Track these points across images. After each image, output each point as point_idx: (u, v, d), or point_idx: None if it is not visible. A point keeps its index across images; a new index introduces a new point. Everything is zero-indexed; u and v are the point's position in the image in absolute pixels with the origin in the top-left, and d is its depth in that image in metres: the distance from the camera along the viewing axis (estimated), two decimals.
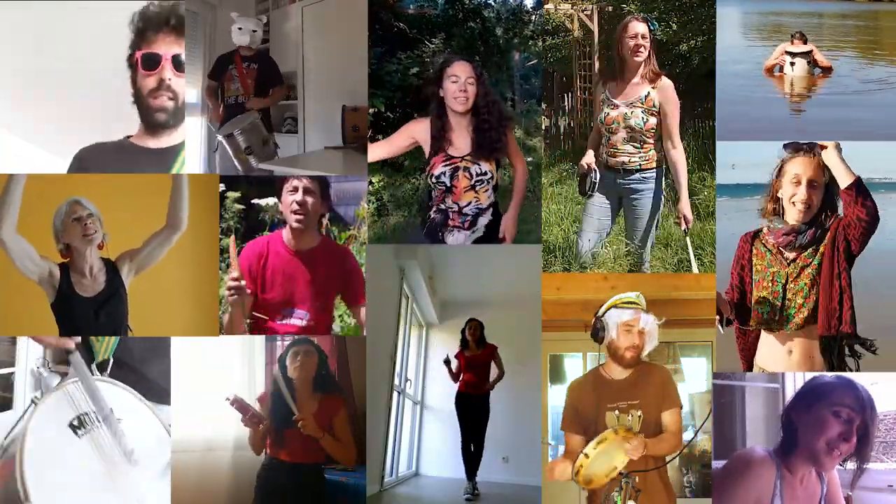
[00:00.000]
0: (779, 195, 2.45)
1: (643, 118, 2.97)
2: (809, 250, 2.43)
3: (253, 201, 3.32)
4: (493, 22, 3.96)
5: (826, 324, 2.41)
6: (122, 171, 2.64)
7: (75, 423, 2.27)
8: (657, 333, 2.44)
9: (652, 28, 2.97)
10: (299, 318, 2.69)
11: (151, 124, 2.61)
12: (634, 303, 2.46)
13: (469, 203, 2.85)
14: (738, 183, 2.96)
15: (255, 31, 3.94)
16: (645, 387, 2.42)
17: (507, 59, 3.98)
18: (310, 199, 2.63)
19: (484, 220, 2.89)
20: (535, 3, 3.95)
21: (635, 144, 3.01)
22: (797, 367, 2.51)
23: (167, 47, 2.54)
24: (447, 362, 3.88)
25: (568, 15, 3.89)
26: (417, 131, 2.89)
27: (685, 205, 3.01)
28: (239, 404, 2.67)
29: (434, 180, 2.84)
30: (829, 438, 2.18)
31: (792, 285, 2.45)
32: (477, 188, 2.84)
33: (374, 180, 3.62)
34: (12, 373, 2.95)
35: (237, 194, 3.27)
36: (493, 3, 3.96)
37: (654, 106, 2.97)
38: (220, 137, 3.76)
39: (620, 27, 2.99)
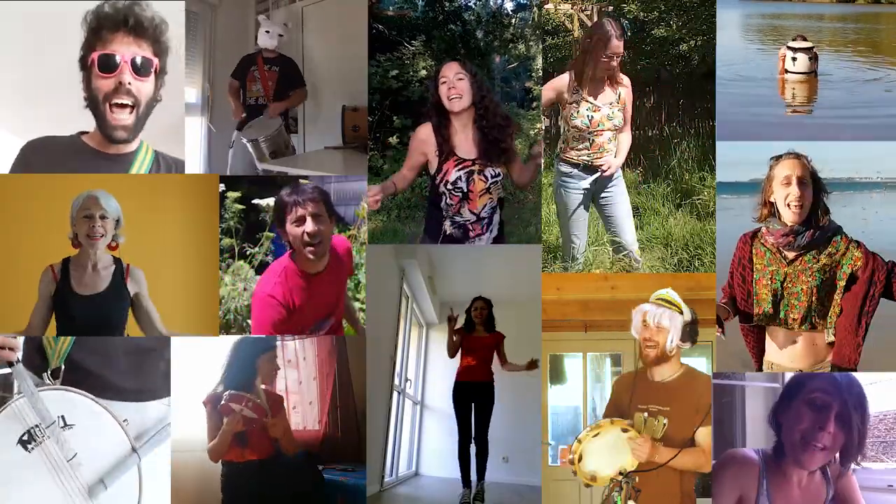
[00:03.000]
0: (771, 200, 2.47)
1: (620, 118, 3.03)
2: (810, 255, 2.45)
3: (253, 201, 3.32)
4: (474, 25, 3.96)
5: (841, 356, 2.42)
6: (72, 171, 2.49)
7: (25, 437, 2.25)
8: (681, 331, 2.35)
9: (626, 37, 2.97)
10: (328, 326, 2.66)
11: (109, 139, 2.42)
12: (663, 299, 2.41)
13: (485, 206, 2.78)
14: (737, 181, 2.96)
15: (281, 36, 4.02)
16: (681, 395, 2.34)
17: (487, 62, 3.98)
18: (321, 227, 2.43)
19: (497, 216, 2.83)
20: (515, 6, 3.95)
21: (614, 142, 3.04)
22: (801, 356, 2.52)
23: (126, 48, 2.30)
24: (451, 318, 3.55)
25: (568, 15, 3.89)
26: (423, 140, 2.76)
27: (617, 159, 3.02)
28: (235, 400, 2.67)
29: (450, 187, 2.72)
30: (803, 429, 2.08)
31: (789, 285, 2.47)
32: (491, 190, 2.78)
33: None
34: (11, 373, 2.94)
35: (237, 194, 3.28)
36: (473, 6, 3.96)
37: (624, 105, 3.03)
38: (244, 140, 3.78)
39: (599, 38, 2.91)
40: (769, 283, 2.50)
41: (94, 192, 2.45)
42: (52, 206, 2.52)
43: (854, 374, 2.34)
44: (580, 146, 3.03)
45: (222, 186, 3.10)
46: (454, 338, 3.56)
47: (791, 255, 2.47)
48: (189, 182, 2.83)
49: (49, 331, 2.48)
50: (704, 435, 2.30)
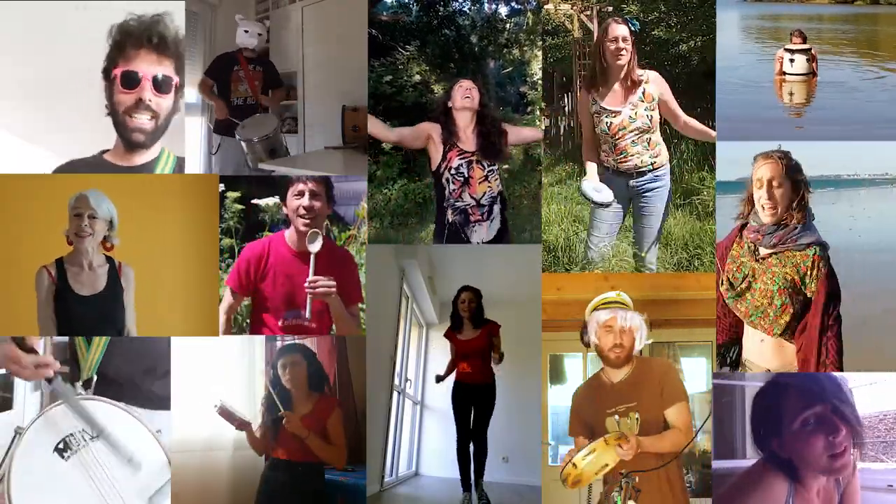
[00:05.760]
0: (751, 197, 2.53)
1: (648, 115, 2.97)
2: (777, 259, 2.46)
3: (253, 201, 3.32)
4: (468, 30, 3.95)
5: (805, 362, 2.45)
6: None
7: (61, 446, 2.25)
8: (646, 330, 2.43)
9: (633, 28, 2.94)
10: (301, 319, 2.69)
11: (127, 143, 2.52)
12: (615, 302, 2.46)
13: (484, 194, 3.03)
14: (727, 180, 2.95)
15: (260, 35, 4.02)
16: (643, 386, 2.41)
17: (481, 67, 3.97)
18: (317, 203, 2.66)
19: (497, 207, 3.06)
20: (509, 11, 3.94)
21: (644, 144, 2.99)
22: (769, 356, 2.55)
23: (148, 66, 2.42)
24: (439, 380, 3.60)
25: (568, 15, 3.89)
26: (431, 130, 3.07)
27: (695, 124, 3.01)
28: (224, 412, 2.68)
29: (453, 172, 3.01)
30: (823, 448, 2.07)
31: (755, 284, 2.50)
32: (489, 178, 3.05)
33: None
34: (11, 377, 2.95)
35: (237, 194, 3.28)
36: (467, 11, 3.95)
37: (653, 100, 2.97)
38: (240, 140, 3.79)
39: (601, 31, 2.98)
40: (734, 270, 2.54)
41: (87, 191, 2.47)
42: (51, 206, 2.53)
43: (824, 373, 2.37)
44: (607, 150, 3.02)
45: (222, 186, 3.10)
46: (447, 369, 3.56)
47: (763, 252, 2.49)
48: (189, 182, 2.83)
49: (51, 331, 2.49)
50: (674, 413, 2.34)
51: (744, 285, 2.52)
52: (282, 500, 2.70)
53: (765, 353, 2.56)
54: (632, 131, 2.97)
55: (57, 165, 2.62)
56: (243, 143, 3.77)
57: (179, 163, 2.65)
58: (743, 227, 2.59)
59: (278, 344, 2.89)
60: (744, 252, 2.55)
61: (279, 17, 4.35)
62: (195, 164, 3.68)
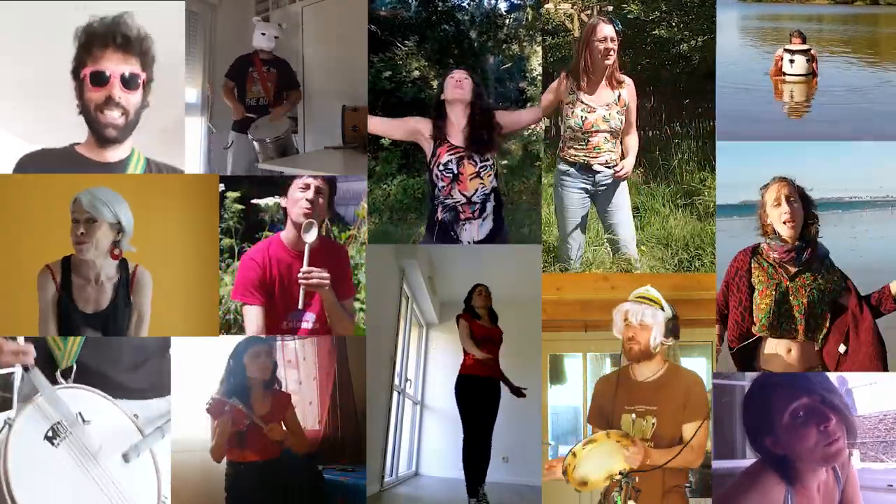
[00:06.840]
0: (768, 222, 2.61)
1: (619, 119, 3.04)
2: (809, 273, 2.59)
3: (253, 201, 3.32)
4: (467, 25, 3.95)
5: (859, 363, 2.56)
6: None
7: (50, 433, 2.29)
8: (664, 327, 2.39)
9: (617, 29, 2.99)
10: (307, 322, 2.69)
11: (100, 138, 2.56)
12: (643, 296, 2.45)
13: (476, 191, 2.94)
14: (727, 203, 3.00)
15: (277, 37, 4.07)
16: (667, 392, 2.37)
17: (480, 63, 3.97)
18: (320, 200, 2.66)
19: (490, 205, 2.97)
20: (508, 6, 3.93)
21: (614, 143, 3.06)
22: (797, 364, 2.61)
23: (115, 65, 2.49)
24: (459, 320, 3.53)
25: (568, 15, 3.89)
26: (420, 124, 3.01)
27: (628, 161, 3.06)
28: (219, 404, 2.68)
29: (442, 168, 2.94)
30: (816, 440, 2.08)
31: (790, 298, 2.58)
32: (482, 174, 2.95)
33: None
34: (12, 373, 2.95)
35: (237, 194, 3.28)
36: (466, 6, 3.95)
37: (625, 105, 3.05)
38: (252, 139, 3.82)
39: (588, 30, 3.03)
40: (772, 292, 2.60)
41: (82, 192, 2.44)
42: (52, 206, 2.52)
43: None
44: (576, 146, 3.05)
45: (222, 186, 3.10)
46: (465, 328, 3.48)
47: (793, 269, 2.59)
48: (189, 182, 2.84)
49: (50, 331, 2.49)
50: (692, 430, 2.31)
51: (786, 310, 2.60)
52: (272, 499, 2.72)
53: (792, 360, 2.62)
54: (604, 131, 3.03)
55: (24, 154, 2.63)
56: (255, 143, 3.79)
57: (149, 164, 2.66)
58: (754, 250, 2.65)
59: (288, 340, 2.90)
60: (769, 273, 2.62)
61: (279, 17, 4.35)
62: (195, 164, 3.68)
